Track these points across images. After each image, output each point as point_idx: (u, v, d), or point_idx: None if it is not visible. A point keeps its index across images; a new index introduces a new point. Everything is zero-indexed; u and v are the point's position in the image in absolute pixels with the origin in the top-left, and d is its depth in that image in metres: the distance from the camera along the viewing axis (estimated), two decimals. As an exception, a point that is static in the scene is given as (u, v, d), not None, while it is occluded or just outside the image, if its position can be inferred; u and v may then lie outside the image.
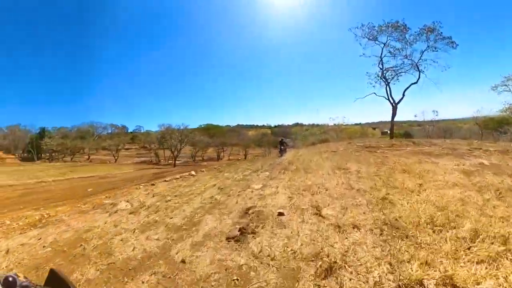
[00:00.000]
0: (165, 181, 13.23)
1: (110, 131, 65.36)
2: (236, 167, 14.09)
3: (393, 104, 22.39)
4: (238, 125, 79.78)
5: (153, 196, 8.24)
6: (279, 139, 20.52)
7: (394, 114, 22.66)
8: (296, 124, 76.19)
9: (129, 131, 70.64)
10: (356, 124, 51.82)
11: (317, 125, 53.77)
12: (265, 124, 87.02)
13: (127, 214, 5.93)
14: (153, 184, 12.54)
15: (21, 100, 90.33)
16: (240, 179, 9.27)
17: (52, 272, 0.78)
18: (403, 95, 22.27)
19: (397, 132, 34.05)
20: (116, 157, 50.24)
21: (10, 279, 0.66)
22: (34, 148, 46.21)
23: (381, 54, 22.34)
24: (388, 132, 26.90)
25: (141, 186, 12.60)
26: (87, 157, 52.60)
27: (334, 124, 38.75)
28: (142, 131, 69.82)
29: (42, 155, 47.38)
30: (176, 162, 43.10)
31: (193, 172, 14.43)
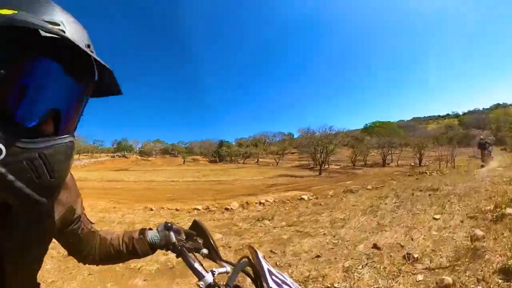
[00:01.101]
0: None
1: (278, 138, 69.65)
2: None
3: None
4: (414, 118, 60.09)
5: None
6: (478, 138, 15.35)
7: None
8: (496, 106, 47.33)
9: (295, 136, 73.18)
10: None
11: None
12: (451, 113, 60.67)
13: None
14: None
15: (209, 120, 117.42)
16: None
17: (195, 222, 0.95)
18: None
19: None
20: (277, 161, 51.55)
21: (169, 224, 0.91)
22: (217, 154, 56.48)
23: None
24: None
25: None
26: (256, 160, 58.65)
27: None
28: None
29: (226, 158, 60.02)
30: (333, 167, 36.05)
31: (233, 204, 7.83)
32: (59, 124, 0.51)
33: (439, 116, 63.78)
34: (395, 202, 6.75)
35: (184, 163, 51.99)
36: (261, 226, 5.58)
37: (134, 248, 0.88)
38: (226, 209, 7.91)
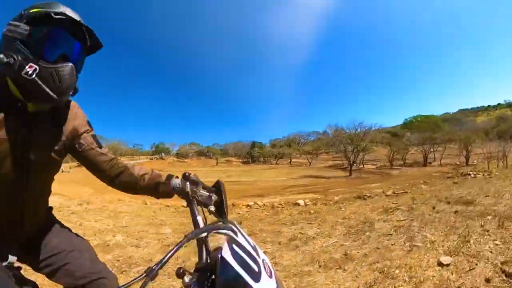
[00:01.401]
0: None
1: (313, 138, 68.70)
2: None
3: None
4: (460, 110, 53.61)
5: None
6: None
7: None
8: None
9: (330, 135, 71.16)
10: None
11: None
12: (502, 102, 52.74)
13: None
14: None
15: (241, 123, 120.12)
16: None
17: (217, 182, 1.02)
18: None
19: None
20: (310, 161, 50.23)
21: (187, 174, 1.01)
22: (249, 155, 57.29)
23: None
24: None
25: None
26: (289, 160, 57.74)
27: None
28: (341, 135, 68.12)
29: (259, 159, 60.26)
30: (369, 166, 33.64)
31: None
32: (67, 61, 0.86)
33: (489, 106, 56.06)
34: (399, 220, 5.32)
35: (217, 164, 53.05)
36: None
37: (157, 188, 1.08)
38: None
